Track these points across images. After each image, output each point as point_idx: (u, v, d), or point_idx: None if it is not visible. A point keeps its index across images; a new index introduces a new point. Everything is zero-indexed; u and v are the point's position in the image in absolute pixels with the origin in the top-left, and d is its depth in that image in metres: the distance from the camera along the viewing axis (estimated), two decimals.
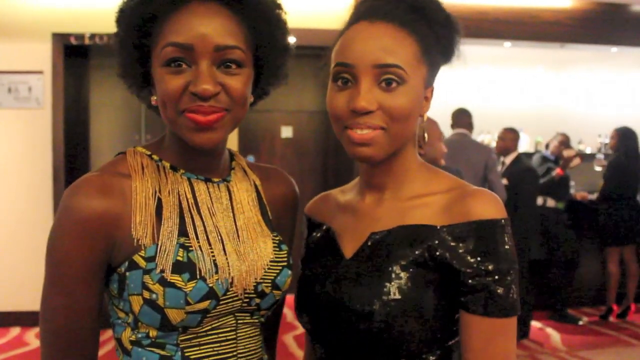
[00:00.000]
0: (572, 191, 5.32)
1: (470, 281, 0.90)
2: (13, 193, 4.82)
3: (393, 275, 0.93)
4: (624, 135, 5.13)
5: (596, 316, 5.19)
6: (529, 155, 5.73)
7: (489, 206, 0.93)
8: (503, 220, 0.92)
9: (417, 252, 0.94)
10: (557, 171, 4.97)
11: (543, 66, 6.58)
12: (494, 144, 5.33)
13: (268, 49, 0.99)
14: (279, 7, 1.01)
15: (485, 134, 6.15)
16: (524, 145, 6.22)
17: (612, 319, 5.09)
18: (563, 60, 6.46)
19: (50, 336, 0.95)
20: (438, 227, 0.94)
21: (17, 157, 4.81)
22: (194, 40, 0.89)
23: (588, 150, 6.57)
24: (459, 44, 1.01)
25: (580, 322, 4.96)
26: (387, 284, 0.92)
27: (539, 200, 4.95)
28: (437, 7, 0.99)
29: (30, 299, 4.77)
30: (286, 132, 5.97)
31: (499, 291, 0.90)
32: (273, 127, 5.91)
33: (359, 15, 0.98)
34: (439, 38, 0.98)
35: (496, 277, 0.90)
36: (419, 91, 0.97)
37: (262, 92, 1.07)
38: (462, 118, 4.41)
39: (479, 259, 0.90)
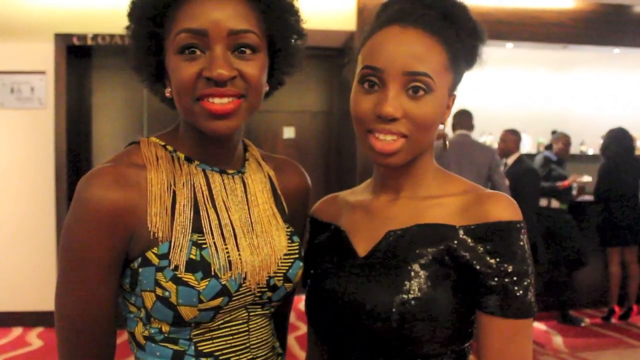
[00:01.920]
0: (573, 192, 5.32)
1: (489, 282, 0.91)
2: (15, 193, 4.83)
3: (412, 274, 0.93)
4: (613, 136, 5.13)
5: (598, 318, 5.18)
6: (531, 156, 5.72)
7: (506, 208, 0.93)
8: (520, 223, 0.93)
9: (436, 251, 0.94)
10: (563, 183, 5.00)
11: (545, 67, 6.58)
12: (496, 145, 5.33)
13: (282, 34, 0.98)
14: None
15: (487, 135, 6.15)
16: (526, 146, 6.23)
17: (614, 320, 5.08)
18: (565, 61, 6.46)
19: (70, 333, 0.94)
20: (457, 227, 0.94)
21: (20, 157, 4.82)
22: (207, 25, 0.89)
23: (590, 152, 6.57)
24: (482, 52, 1.01)
25: (583, 324, 4.95)
26: (407, 282, 0.92)
27: (544, 202, 4.95)
28: (466, 15, 0.98)
29: (32, 299, 4.79)
30: (288, 132, 5.97)
31: (517, 292, 0.90)
32: (275, 128, 5.91)
33: (390, 19, 0.97)
34: (465, 47, 0.98)
35: (514, 278, 0.90)
36: (444, 100, 0.97)
37: (278, 82, 1.06)
38: (464, 119, 4.41)
39: (498, 259, 0.91)
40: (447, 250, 0.93)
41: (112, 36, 4.55)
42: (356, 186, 1.17)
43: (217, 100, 0.90)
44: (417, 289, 0.92)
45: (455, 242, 0.93)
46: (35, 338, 4.51)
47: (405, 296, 0.91)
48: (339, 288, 0.99)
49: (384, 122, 0.93)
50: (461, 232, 0.94)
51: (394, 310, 0.91)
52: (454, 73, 0.98)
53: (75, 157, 4.99)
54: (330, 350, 1.03)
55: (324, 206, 1.17)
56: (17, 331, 4.68)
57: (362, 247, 1.02)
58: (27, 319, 4.76)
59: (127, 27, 0.97)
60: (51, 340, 4.43)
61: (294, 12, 1.00)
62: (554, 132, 5.79)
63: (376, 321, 0.92)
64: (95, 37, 4.64)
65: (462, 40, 0.97)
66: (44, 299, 4.77)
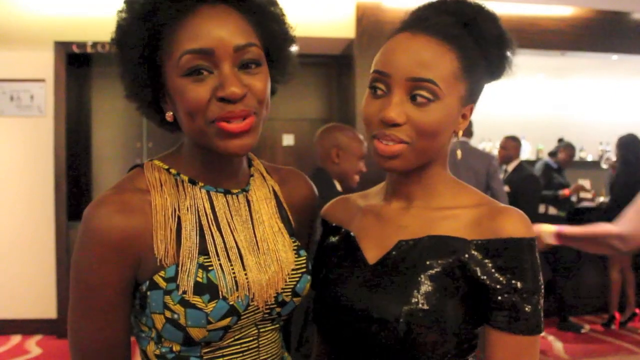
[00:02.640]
0: (573, 199, 5.31)
1: (498, 297, 0.91)
2: (15, 201, 4.82)
3: (421, 285, 0.93)
4: (624, 144, 5.10)
5: (598, 324, 5.17)
6: (531, 162, 5.73)
7: (518, 225, 0.93)
8: (532, 240, 0.93)
9: (446, 263, 0.94)
10: (564, 192, 4.98)
11: (544, 74, 6.60)
12: (495, 152, 5.33)
13: (276, 44, 0.98)
14: (273, 3, 0.99)
15: (487, 142, 6.15)
16: (526, 152, 6.23)
17: (615, 327, 5.06)
18: (564, 68, 6.48)
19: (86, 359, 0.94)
20: (468, 241, 0.94)
21: (19, 165, 4.82)
22: (213, 43, 0.87)
23: (589, 158, 6.57)
24: (511, 62, 1.00)
25: (583, 330, 4.94)
26: (415, 293, 0.93)
27: (542, 209, 4.95)
28: (490, 24, 0.97)
29: (31, 307, 4.78)
30: (287, 140, 5.97)
31: (526, 309, 0.90)
32: (274, 135, 5.92)
33: (405, 25, 0.97)
34: (487, 55, 0.97)
35: (524, 295, 0.90)
36: (453, 108, 0.95)
37: (271, 92, 1.04)
38: None
39: (508, 276, 0.91)
40: (458, 264, 0.93)
41: (111, 44, 4.53)
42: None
43: (233, 122, 0.89)
44: (425, 300, 0.92)
45: (466, 255, 0.93)
46: (34, 346, 4.49)
47: (412, 307, 0.92)
48: (347, 294, 0.99)
49: (386, 127, 0.93)
50: (472, 246, 0.94)
51: (401, 320, 0.91)
52: (468, 82, 0.96)
53: (74, 164, 4.99)
54: (337, 354, 1.03)
55: (334, 208, 1.17)
56: (15, 339, 4.67)
57: (372, 255, 1.02)
58: (26, 327, 4.75)
59: (117, 55, 0.95)
60: (50, 348, 4.42)
61: (283, 19, 1.00)
62: (560, 140, 5.82)
63: (383, 330, 0.93)
64: (94, 45, 4.65)
65: (483, 48, 0.96)
66: (43, 307, 4.76)
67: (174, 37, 0.89)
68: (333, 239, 1.11)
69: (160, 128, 1.04)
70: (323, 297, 1.04)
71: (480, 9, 0.98)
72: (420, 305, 0.91)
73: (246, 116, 0.89)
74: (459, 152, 1.04)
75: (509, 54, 0.99)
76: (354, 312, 0.97)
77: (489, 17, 0.97)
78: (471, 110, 1.00)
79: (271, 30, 0.97)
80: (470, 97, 0.99)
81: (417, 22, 0.96)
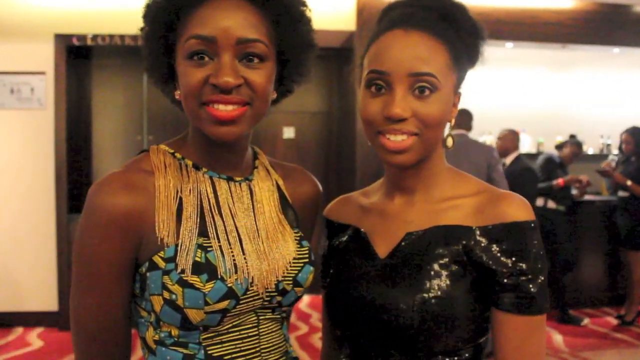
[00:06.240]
0: (573, 192, 5.30)
1: (505, 280, 0.94)
2: (15, 194, 4.83)
3: (432, 273, 0.96)
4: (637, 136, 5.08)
5: (598, 317, 5.18)
6: (531, 156, 5.72)
7: (520, 208, 0.97)
8: (533, 222, 0.96)
9: (454, 251, 0.97)
10: (558, 181, 4.96)
11: (545, 67, 6.58)
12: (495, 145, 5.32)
13: (291, 44, 0.99)
14: (303, 4, 1.01)
15: (487, 135, 6.14)
16: (526, 146, 6.23)
17: (614, 320, 5.07)
18: (565, 61, 6.46)
19: (86, 340, 0.95)
20: (473, 228, 0.97)
21: (19, 158, 4.82)
22: (216, 32, 0.90)
23: (590, 151, 6.56)
24: (483, 49, 1.04)
25: (583, 323, 4.95)
26: (428, 282, 0.95)
27: (540, 202, 4.94)
28: (465, 15, 1.01)
29: (32, 300, 4.79)
30: (288, 132, 5.97)
31: (532, 290, 0.94)
32: (275, 128, 5.92)
33: (394, 23, 0.99)
34: (467, 45, 1.01)
35: (530, 276, 0.94)
36: (450, 98, 1.00)
37: (286, 90, 1.07)
38: (463, 119, 4.38)
39: (513, 259, 0.94)
40: (465, 250, 0.97)
41: (111, 37, 4.54)
42: (357, 186, 1.18)
43: (221, 107, 0.91)
44: (437, 288, 0.95)
45: (472, 242, 0.97)
46: (35, 338, 4.51)
47: (426, 295, 0.94)
48: (361, 289, 1.01)
49: (393, 123, 0.95)
50: (477, 232, 0.97)
51: (415, 309, 0.94)
52: (457, 72, 1.01)
53: (75, 157, 4.99)
54: (353, 348, 1.06)
55: (337, 207, 1.19)
56: (17, 331, 4.69)
57: (382, 249, 1.04)
58: (28, 319, 4.76)
59: (141, 29, 0.99)
60: (51, 341, 4.44)
61: (304, 22, 1.01)
62: (572, 136, 5.83)
63: (397, 320, 0.95)
64: (95, 37, 4.64)
65: (463, 39, 1.00)
66: (45, 300, 4.78)
67: (187, 22, 0.93)
68: (342, 237, 1.12)
69: (163, 103, 1.09)
70: (337, 292, 1.06)
71: (451, 2, 1.01)
72: (432, 294, 0.94)
73: (237, 104, 0.92)
74: (449, 140, 1.07)
75: (482, 42, 1.04)
76: (369, 305, 0.99)
77: (461, 9, 1.02)
78: (459, 98, 1.05)
79: (289, 32, 0.98)
80: (459, 86, 1.04)
81: (405, 18, 0.98)
